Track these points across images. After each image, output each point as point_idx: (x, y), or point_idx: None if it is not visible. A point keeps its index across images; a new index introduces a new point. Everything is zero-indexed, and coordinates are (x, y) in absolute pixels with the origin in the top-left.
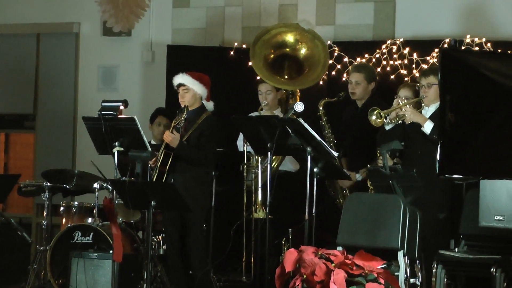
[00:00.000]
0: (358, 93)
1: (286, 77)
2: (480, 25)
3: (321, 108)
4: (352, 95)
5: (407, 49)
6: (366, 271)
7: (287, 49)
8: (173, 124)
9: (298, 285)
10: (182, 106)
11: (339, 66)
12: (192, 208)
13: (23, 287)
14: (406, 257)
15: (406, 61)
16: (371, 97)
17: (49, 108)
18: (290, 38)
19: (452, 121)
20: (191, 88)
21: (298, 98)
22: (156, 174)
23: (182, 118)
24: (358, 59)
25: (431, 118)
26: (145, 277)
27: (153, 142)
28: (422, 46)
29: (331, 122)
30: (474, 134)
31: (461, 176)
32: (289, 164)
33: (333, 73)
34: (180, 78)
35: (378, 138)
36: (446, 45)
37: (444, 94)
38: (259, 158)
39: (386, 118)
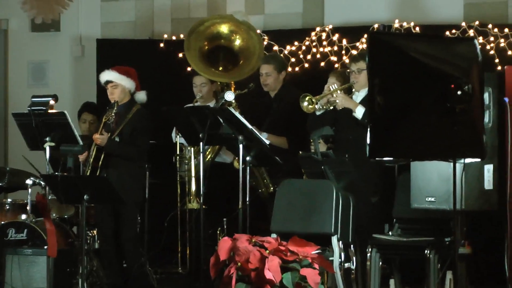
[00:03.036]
0: (270, 84)
1: (221, 69)
2: (408, 9)
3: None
4: (265, 86)
5: (337, 35)
6: (301, 257)
7: (222, 41)
8: (103, 120)
9: (233, 273)
10: (112, 102)
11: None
12: (124, 200)
13: None
14: (340, 242)
15: (336, 48)
16: (283, 87)
17: None
18: (224, 29)
19: (381, 104)
20: (119, 83)
21: (233, 89)
22: (89, 170)
23: (112, 114)
24: (288, 47)
25: (362, 103)
26: (80, 271)
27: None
28: (352, 32)
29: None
30: (403, 117)
31: (392, 158)
32: (224, 156)
33: None
34: (107, 75)
35: (308, 124)
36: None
37: (372, 78)
38: (192, 149)
39: (317, 104)
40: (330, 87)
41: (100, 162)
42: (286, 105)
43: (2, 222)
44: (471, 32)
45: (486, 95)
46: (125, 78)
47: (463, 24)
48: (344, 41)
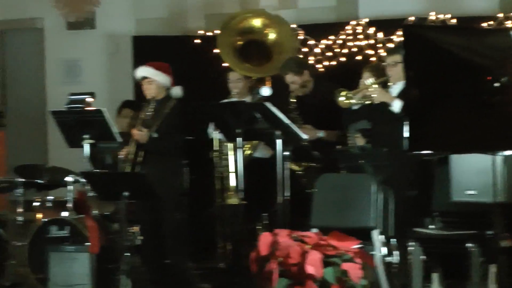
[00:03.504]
0: (299, 89)
1: (254, 63)
2: (444, 1)
3: (293, 100)
4: (298, 92)
5: (372, 29)
6: (342, 251)
7: (255, 35)
8: (140, 117)
9: (274, 268)
10: (148, 98)
11: (304, 49)
12: (165, 197)
13: (2, 283)
14: (381, 236)
15: (371, 41)
16: (316, 82)
17: (19, 104)
18: (257, 23)
19: (417, 97)
20: (154, 79)
21: (267, 84)
22: (128, 166)
23: (150, 110)
24: (323, 41)
25: (398, 96)
26: (122, 268)
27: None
28: (387, 25)
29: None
30: (440, 109)
31: (430, 152)
32: (263, 150)
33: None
34: (142, 71)
35: (344, 119)
36: None
37: (408, 70)
38: (230, 144)
39: (353, 99)
40: (365, 81)
41: (139, 158)
42: (321, 101)
43: (44, 220)
44: (508, 23)
45: None
46: (160, 73)
47: (500, 15)
48: (380, 35)
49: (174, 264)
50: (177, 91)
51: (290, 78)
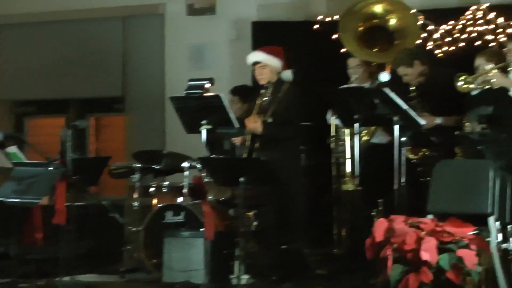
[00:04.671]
0: (411, 80)
1: (376, 49)
2: None
3: (413, 88)
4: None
5: (492, 14)
6: (457, 238)
7: (377, 20)
8: (258, 103)
9: (389, 255)
10: (261, 83)
11: (424, 35)
12: (283, 182)
13: (118, 268)
14: (498, 223)
15: (492, 26)
16: (433, 69)
17: (138, 90)
18: (379, 9)
19: None
20: (267, 63)
21: (389, 70)
22: (246, 152)
23: (267, 96)
24: (443, 27)
25: None
26: (237, 253)
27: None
28: (508, 10)
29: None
30: None
31: None
32: (380, 136)
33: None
34: (254, 56)
35: (465, 104)
36: None
37: None
38: (347, 130)
39: (472, 84)
40: (486, 66)
41: (257, 144)
42: (439, 87)
43: (160, 205)
44: None
45: None
46: (272, 57)
47: None
48: (501, 19)
49: (291, 250)
50: (287, 74)
51: (402, 70)
